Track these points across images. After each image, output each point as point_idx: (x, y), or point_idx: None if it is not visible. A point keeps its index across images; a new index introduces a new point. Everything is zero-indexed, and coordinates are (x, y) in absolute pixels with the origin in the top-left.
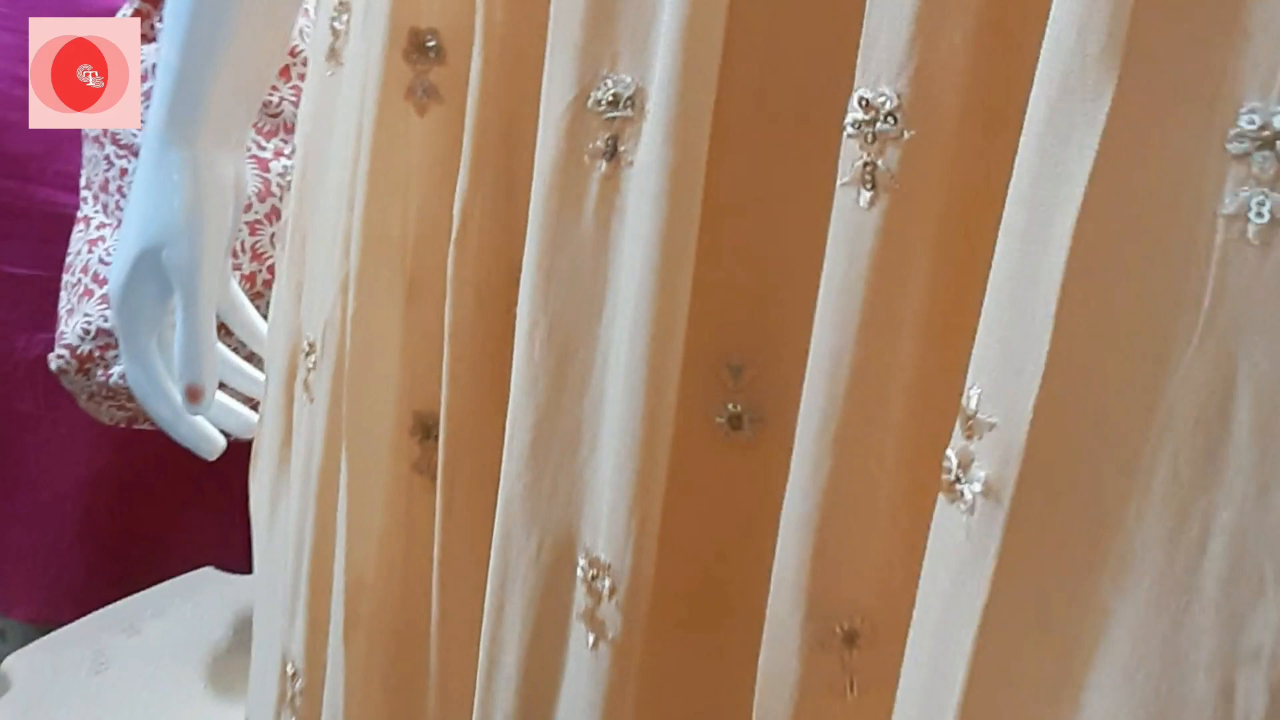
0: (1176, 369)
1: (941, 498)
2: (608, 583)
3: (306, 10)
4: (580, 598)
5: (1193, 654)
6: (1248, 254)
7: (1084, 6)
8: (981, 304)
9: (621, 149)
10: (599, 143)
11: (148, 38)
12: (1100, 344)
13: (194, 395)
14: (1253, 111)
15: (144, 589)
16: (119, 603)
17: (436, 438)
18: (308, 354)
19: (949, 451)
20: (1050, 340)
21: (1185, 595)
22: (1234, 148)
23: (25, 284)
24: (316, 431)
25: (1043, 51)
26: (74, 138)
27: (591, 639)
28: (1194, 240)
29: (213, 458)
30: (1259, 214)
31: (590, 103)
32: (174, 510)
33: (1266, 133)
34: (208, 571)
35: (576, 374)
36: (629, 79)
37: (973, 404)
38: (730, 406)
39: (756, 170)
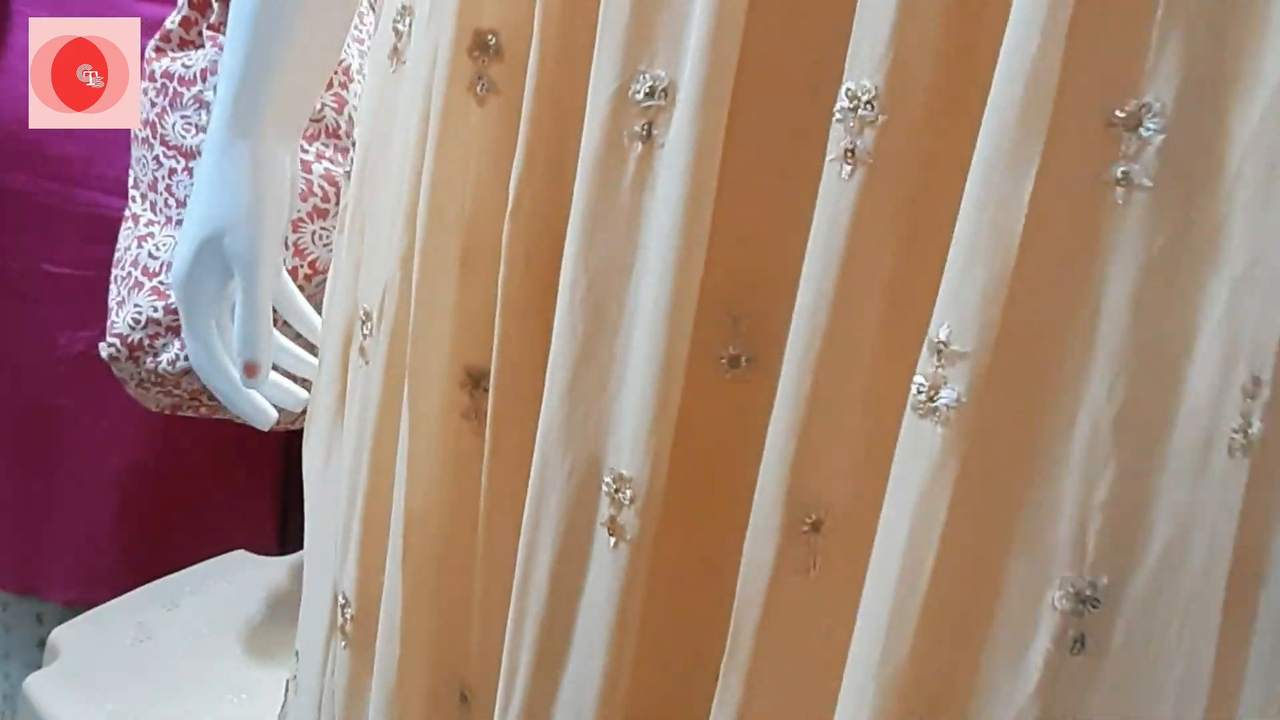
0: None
1: (912, 415)
2: (629, 492)
3: None
4: (604, 509)
5: (1064, 508)
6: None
7: (1038, 18)
8: (939, 258)
9: (655, 132)
10: (637, 127)
11: (195, 44)
12: (1041, 290)
13: (252, 371)
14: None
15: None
16: (158, 581)
17: (485, 389)
18: (364, 322)
19: (919, 378)
20: (1008, 292)
21: (1064, 470)
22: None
23: (67, 283)
24: (372, 390)
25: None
26: (116, 141)
27: (613, 541)
28: (1093, 202)
29: (266, 428)
30: (1120, 179)
31: (630, 93)
32: (206, 499)
33: (1134, 117)
34: (240, 554)
35: (609, 322)
36: (663, 73)
37: (943, 336)
38: (730, 348)
39: (762, 152)
